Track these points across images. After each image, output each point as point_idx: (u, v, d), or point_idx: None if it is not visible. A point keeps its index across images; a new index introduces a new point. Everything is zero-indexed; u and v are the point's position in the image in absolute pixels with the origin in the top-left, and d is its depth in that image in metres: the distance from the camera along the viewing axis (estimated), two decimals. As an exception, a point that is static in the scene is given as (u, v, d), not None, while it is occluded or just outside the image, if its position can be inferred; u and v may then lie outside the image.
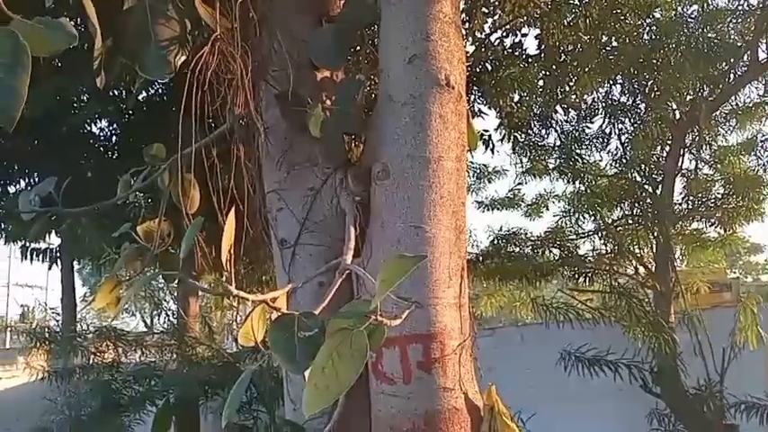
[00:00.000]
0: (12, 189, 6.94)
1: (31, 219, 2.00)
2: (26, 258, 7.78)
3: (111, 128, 6.76)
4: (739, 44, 6.32)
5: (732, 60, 6.31)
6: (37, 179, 6.66)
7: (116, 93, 6.06)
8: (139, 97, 6.15)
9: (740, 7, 6.39)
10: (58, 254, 7.97)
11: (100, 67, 1.70)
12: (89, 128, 6.60)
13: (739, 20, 6.36)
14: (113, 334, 5.86)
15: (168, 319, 6.82)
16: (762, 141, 7.38)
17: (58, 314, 7.69)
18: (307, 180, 2.07)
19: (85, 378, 5.80)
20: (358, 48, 2.46)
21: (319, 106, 1.93)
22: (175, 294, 7.18)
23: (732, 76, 6.45)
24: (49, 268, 8.12)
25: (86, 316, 8.32)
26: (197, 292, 6.73)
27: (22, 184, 6.87)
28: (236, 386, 1.41)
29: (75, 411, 5.92)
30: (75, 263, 8.92)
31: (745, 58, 6.26)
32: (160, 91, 6.17)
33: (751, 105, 7.01)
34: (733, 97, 6.79)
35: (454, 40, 2.03)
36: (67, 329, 7.09)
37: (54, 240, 7.70)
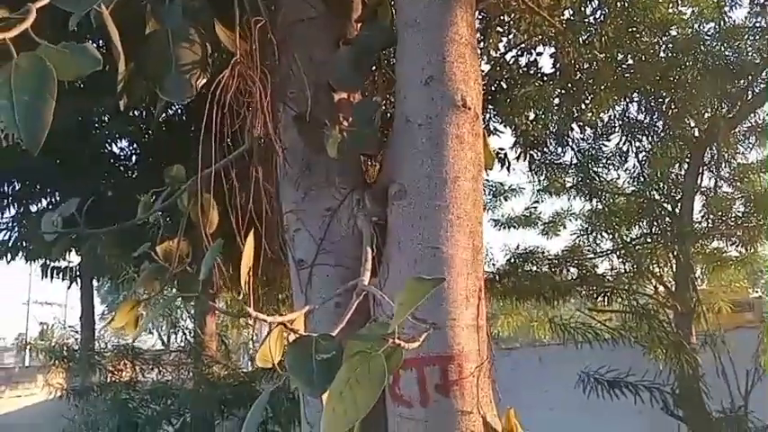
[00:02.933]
0: (33, 208, 7.05)
1: (53, 239, 2.03)
2: (46, 276, 7.87)
3: (131, 147, 6.88)
4: (757, 61, 6.27)
5: (750, 78, 6.27)
6: (58, 198, 6.76)
7: (136, 113, 6.16)
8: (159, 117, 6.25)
9: (757, 24, 6.37)
10: (78, 272, 8.06)
11: (123, 90, 1.74)
12: (110, 147, 6.71)
13: (756, 37, 6.32)
14: (131, 352, 5.91)
15: (185, 338, 6.86)
16: (782, 159, 7.30)
17: (76, 332, 7.78)
18: (324, 200, 2.08)
19: (103, 397, 5.84)
20: (375, 69, 2.48)
21: (337, 127, 1.95)
22: (192, 312, 7.21)
23: (750, 93, 6.40)
24: (69, 287, 8.21)
25: (105, 334, 8.41)
26: (214, 310, 6.75)
27: (44, 203, 6.97)
28: (253, 409, 1.40)
29: (92, 430, 5.93)
30: (94, 281, 9.02)
31: (763, 75, 6.22)
32: (180, 110, 6.27)
33: (770, 123, 6.94)
34: (752, 114, 6.73)
35: (470, 61, 2.03)
36: (86, 347, 7.15)
37: (74, 259, 7.80)
